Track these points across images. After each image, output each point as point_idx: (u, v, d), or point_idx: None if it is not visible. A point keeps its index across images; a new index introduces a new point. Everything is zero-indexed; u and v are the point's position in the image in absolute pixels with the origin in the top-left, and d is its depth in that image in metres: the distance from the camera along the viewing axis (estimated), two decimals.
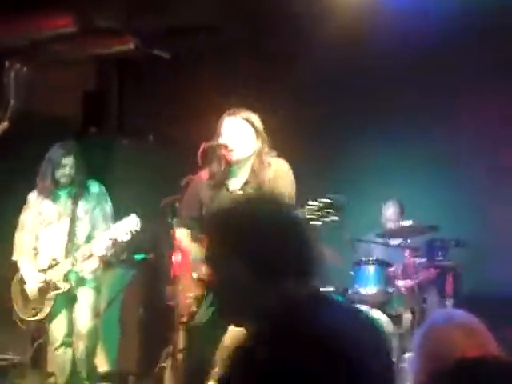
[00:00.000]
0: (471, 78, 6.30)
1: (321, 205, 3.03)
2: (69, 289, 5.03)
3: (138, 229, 4.80)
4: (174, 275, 3.28)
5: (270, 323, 1.57)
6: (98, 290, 5.23)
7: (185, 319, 3.57)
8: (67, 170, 5.21)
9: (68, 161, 5.23)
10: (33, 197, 5.34)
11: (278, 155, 3.67)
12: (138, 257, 6.37)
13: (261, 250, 1.64)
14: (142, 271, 6.30)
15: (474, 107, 6.10)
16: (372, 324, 1.75)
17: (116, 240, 4.85)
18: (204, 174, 3.65)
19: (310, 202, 3.06)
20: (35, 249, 5.22)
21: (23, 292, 5.13)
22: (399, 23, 6.09)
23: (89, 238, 5.03)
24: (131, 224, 4.80)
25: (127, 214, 4.88)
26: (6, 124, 6.90)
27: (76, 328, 5.09)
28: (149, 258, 6.36)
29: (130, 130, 7.99)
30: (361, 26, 6.09)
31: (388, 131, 6.50)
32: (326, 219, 3.02)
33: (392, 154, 6.48)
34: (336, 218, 3.02)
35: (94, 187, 5.38)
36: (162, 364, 5.04)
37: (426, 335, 2.08)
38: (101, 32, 6.24)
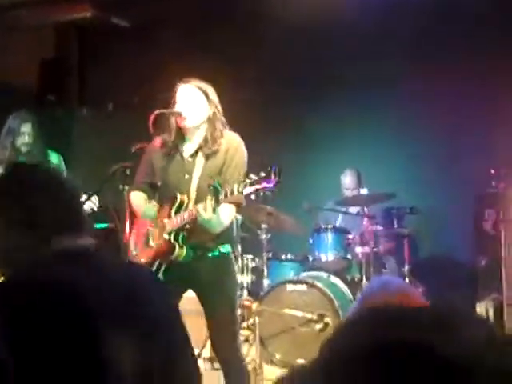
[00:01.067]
0: (426, 45, 6.37)
1: (256, 179, 3.08)
2: None
3: (96, 208, 4.96)
4: (126, 242, 3.29)
5: (15, 274, 1.74)
6: None
7: None
8: (26, 138, 5.26)
9: (26, 128, 5.27)
10: None
11: (231, 129, 3.69)
12: (100, 226, 6.35)
13: (31, 210, 1.75)
14: (105, 242, 6.29)
15: (429, 75, 6.16)
16: (145, 280, 1.89)
17: None
18: (157, 142, 3.66)
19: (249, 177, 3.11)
20: None
21: None
22: None
23: None
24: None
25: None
26: None
27: None
28: (110, 228, 6.35)
29: (89, 99, 7.91)
30: None
31: (346, 100, 6.55)
32: (261, 194, 3.08)
33: (350, 122, 6.55)
34: (268, 193, 3.07)
35: (54, 158, 5.47)
36: None
37: (361, 302, 2.14)
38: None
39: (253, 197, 3.13)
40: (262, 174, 3.07)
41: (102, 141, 6.94)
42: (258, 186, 3.08)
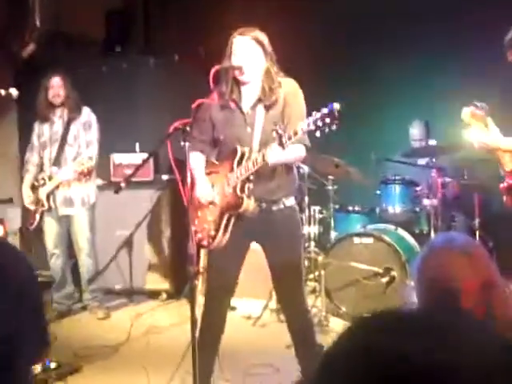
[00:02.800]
0: None
1: (318, 115, 3.02)
2: (53, 208, 5.56)
3: (92, 164, 5.33)
4: (187, 200, 3.30)
5: None
6: (87, 213, 5.69)
7: (205, 243, 3.62)
8: (56, 90, 5.59)
9: (55, 81, 5.60)
10: (37, 121, 5.75)
11: (287, 75, 3.63)
12: (164, 177, 6.43)
13: None
14: (169, 191, 6.38)
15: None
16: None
17: (76, 171, 5.28)
18: (215, 97, 3.63)
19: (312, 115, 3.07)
20: (40, 168, 5.73)
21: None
22: None
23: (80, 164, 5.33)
24: (84, 161, 5.27)
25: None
26: (32, 46, 6.94)
27: (75, 245, 5.75)
28: (175, 179, 6.42)
29: (156, 50, 7.92)
30: None
31: (415, 50, 6.37)
32: (326, 129, 3.01)
33: (418, 73, 6.38)
34: (334, 127, 3.00)
35: (84, 115, 5.69)
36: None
37: (425, 260, 2.08)
38: None
39: (318, 134, 3.07)
40: (324, 110, 3.02)
41: (168, 91, 6.95)
42: (319, 123, 3.02)
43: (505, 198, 4.01)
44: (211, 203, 3.62)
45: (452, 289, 1.97)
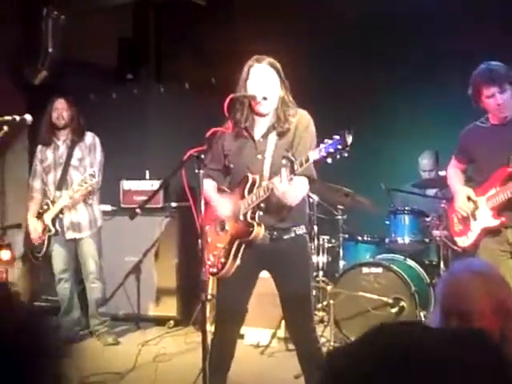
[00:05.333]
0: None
1: (330, 142, 3.04)
2: (60, 232, 5.56)
3: (94, 182, 5.25)
4: (201, 226, 3.30)
5: None
6: (95, 237, 5.68)
7: (215, 270, 3.62)
8: (60, 111, 5.61)
9: (59, 103, 5.63)
10: (39, 147, 5.77)
11: (299, 106, 3.66)
12: (174, 204, 6.44)
13: None
14: (178, 219, 6.39)
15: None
16: None
17: (73, 193, 5.31)
18: (229, 125, 3.65)
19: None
20: (44, 194, 5.72)
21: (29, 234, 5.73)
22: None
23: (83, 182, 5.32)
24: (87, 181, 5.23)
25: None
26: (44, 73, 7.00)
27: (83, 269, 5.73)
28: (184, 206, 6.44)
29: (166, 78, 7.99)
30: None
31: (426, 81, 6.40)
32: (337, 155, 3.03)
33: (429, 103, 6.40)
34: (345, 154, 3.02)
35: (89, 138, 5.71)
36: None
37: (445, 284, 2.11)
38: None
39: (329, 160, 3.09)
40: (336, 137, 3.04)
41: (178, 118, 7.00)
42: (331, 149, 3.04)
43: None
44: (223, 229, 3.63)
45: (466, 310, 1.98)
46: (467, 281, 2.05)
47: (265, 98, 3.52)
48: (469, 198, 4.13)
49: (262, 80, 3.54)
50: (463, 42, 6.19)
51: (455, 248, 4.44)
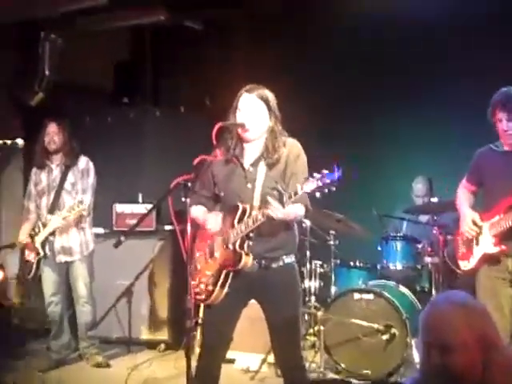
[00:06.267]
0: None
1: (319, 176, 3.06)
2: (50, 255, 5.56)
3: (82, 208, 5.26)
4: (187, 252, 3.29)
5: None
6: (86, 261, 5.69)
7: (203, 297, 3.61)
8: (51, 136, 5.63)
9: (52, 127, 5.65)
10: (34, 169, 5.80)
11: (291, 135, 3.68)
12: (167, 227, 6.44)
13: None
14: (171, 242, 6.39)
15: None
16: None
17: (63, 219, 5.35)
18: (218, 153, 3.67)
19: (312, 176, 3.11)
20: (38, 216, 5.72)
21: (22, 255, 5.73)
22: None
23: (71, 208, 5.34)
24: (75, 208, 5.26)
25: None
26: (41, 95, 7.04)
27: (73, 293, 5.73)
28: (177, 229, 6.43)
29: (163, 101, 8.03)
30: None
31: (418, 107, 6.44)
32: (326, 190, 3.04)
33: (422, 129, 6.44)
34: (333, 189, 3.04)
35: (82, 163, 5.73)
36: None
37: (426, 315, 2.10)
38: (131, 4, 6.25)
39: (318, 194, 3.09)
40: (325, 171, 3.05)
41: (173, 142, 7.02)
42: (320, 183, 3.05)
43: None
44: (212, 256, 3.63)
45: (448, 342, 1.98)
46: (448, 313, 2.05)
47: (249, 126, 3.55)
48: (474, 223, 4.12)
49: (249, 109, 3.58)
50: (461, 69, 6.24)
51: (458, 271, 4.40)
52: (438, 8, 6.15)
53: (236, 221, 3.51)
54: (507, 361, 1.99)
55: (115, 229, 6.57)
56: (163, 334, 6.32)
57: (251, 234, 3.50)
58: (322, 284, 6.04)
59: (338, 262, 5.96)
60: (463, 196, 4.34)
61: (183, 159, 6.26)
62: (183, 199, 3.29)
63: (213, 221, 3.65)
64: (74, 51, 7.10)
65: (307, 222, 5.80)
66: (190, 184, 3.29)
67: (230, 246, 3.52)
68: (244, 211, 3.52)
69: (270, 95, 3.65)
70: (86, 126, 7.03)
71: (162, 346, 6.25)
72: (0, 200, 7.36)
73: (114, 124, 7.16)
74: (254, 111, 3.58)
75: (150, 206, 6.45)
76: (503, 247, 3.96)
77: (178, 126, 7.13)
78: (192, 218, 3.44)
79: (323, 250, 5.97)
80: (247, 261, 3.49)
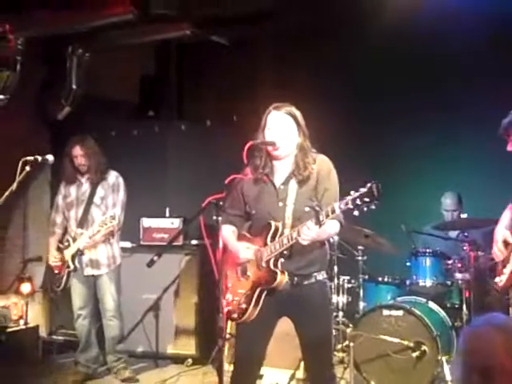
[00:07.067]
0: None
1: (357, 194, 3.02)
2: (79, 268, 5.60)
3: (115, 223, 5.29)
4: (218, 271, 3.28)
5: None
6: (113, 275, 5.71)
7: (235, 316, 3.60)
8: (79, 160, 5.69)
9: (76, 152, 5.68)
10: (63, 182, 5.86)
11: (320, 151, 3.67)
12: (194, 242, 6.44)
13: None
14: (198, 257, 6.38)
15: None
16: None
17: (93, 234, 5.40)
18: (248, 172, 3.67)
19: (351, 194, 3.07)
20: (65, 229, 5.79)
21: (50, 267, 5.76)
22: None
23: (103, 223, 5.35)
24: (107, 222, 5.28)
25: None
26: (68, 109, 7.10)
27: (101, 306, 5.75)
28: (205, 244, 6.43)
29: (188, 115, 8.05)
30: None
31: (448, 122, 6.40)
32: (364, 208, 3.00)
33: (452, 144, 6.39)
34: (373, 207, 3.00)
35: (112, 177, 5.77)
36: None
37: (465, 339, 2.07)
38: (157, 19, 6.29)
39: (356, 213, 3.06)
40: (363, 190, 3.02)
41: (199, 156, 7.02)
42: (359, 202, 3.01)
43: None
44: (244, 274, 3.62)
45: (487, 366, 1.95)
46: (488, 336, 2.02)
47: (279, 144, 3.55)
48: (505, 242, 4.07)
49: (278, 126, 3.58)
50: (488, 85, 6.20)
51: (495, 287, 4.34)
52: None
53: (269, 239, 3.51)
54: None
55: (142, 243, 6.59)
56: (190, 349, 6.31)
57: (285, 252, 3.49)
58: (350, 299, 6.01)
59: (366, 277, 5.92)
60: (505, 216, 4.26)
61: (209, 174, 6.33)
62: (214, 217, 3.29)
63: (244, 251, 3.64)
64: (100, 65, 7.16)
65: (335, 237, 5.77)
66: (221, 203, 3.28)
67: (264, 265, 3.51)
68: (276, 229, 3.51)
69: (298, 112, 3.66)
70: (111, 140, 7.05)
71: (190, 360, 6.24)
72: (27, 213, 7.40)
73: (140, 137, 7.18)
74: (283, 128, 3.58)
75: (177, 221, 6.51)
76: None
77: (204, 140, 7.12)
78: (224, 239, 3.44)
79: (351, 265, 5.94)
80: (282, 279, 3.48)
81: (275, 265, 3.49)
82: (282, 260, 3.51)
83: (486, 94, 6.20)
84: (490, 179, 6.05)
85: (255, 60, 7.32)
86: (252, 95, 6.70)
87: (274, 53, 7.33)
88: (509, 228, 4.10)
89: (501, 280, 4.14)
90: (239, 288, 3.63)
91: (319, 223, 3.21)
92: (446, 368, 4.94)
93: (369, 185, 3.00)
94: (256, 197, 3.68)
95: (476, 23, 6.06)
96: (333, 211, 3.16)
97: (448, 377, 4.90)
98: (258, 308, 3.56)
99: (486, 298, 5.52)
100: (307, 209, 3.36)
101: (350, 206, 3.06)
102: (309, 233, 3.26)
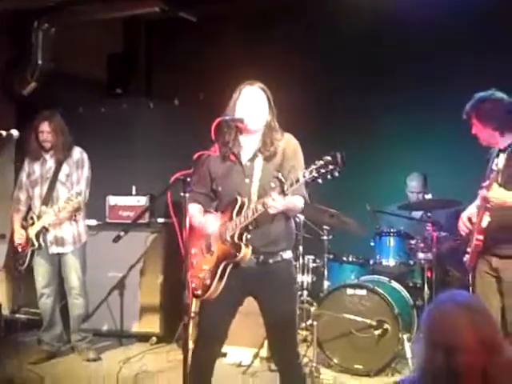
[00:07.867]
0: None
1: (321, 163, 3.04)
2: (43, 246, 5.53)
3: (80, 200, 5.30)
4: (185, 247, 3.28)
5: None
6: (78, 253, 5.64)
7: (199, 292, 3.60)
8: (45, 135, 5.60)
9: (44, 127, 5.59)
10: (27, 159, 5.77)
11: (285, 130, 3.68)
12: (160, 220, 6.42)
13: None
14: (164, 235, 6.37)
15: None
16: None
17: (59, 211, 5.34)
18: (215, 149, 3.66)
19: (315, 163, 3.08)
20: (29, 206, 5.71)
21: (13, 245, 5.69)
22: None
23: (69, 200, 5.31)
24: (73, 199, 5.25)
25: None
26: (34, 84, 7.00)
27: (65, 285, 5.69)
28: (170, 222, 6.41)
29: (156, 93, 7.99)
30: None
31: (415, 104, 6.44)
32: (328, 176, 3.02)
33: (418, 124, 6.44)
34: (336, 174, 3.02)
35: (76, 154, 5.69)
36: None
37: (429, 316, 2.10)
38: None
39: (320, 180, 3.08)
40: (327, 158, 3.04)
41: (167, 134, 6.96)
42: (323, 170, 3.03)
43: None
44: (209, 250, 3.62)
45: (451, 343, 1.97)
46: (452, 313, 2.04)
47: (251, 118, 3.56)
48: (470, 220, 4.15)
49: (253, 100, 3.59)
50: (452, 63, 6.25)
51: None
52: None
53: (235, 213, 3.51)
54: (509, 363, 1.99)
55: (108, 221, 6.55)
56: (155, 327, 6.30)
57: (250, 227, 3.49)
58: (314, 278, 6.05)
59: (331, 256, 5.96)
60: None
61: (176, 152, 6.28)
62: (182, 194, 3.28)
63: (210, 223, 3.64)
64: (67, 41, 7.06)
65: (301, 217, 5.80)
66: (188, 179, 3.28)
67: (228, 238, 3.51)
68: (242, 204, 3.51)
69: (268, 90, 3.67)
70: (79, 116, 6.96)
71: (154, 339, 6.24)
72: None
73: (107, 115, 7.10)
74: (256, 102, 3.60)
75: (143, 199, 6.48)
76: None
77: (172, 119, 7.07)
78: (190, 217, 3.44)
79: (316, 244, 5.97)
80: (246, 252, 3.48)
81: (240, 238, 3.49)
82: (248, 236, 3.51)
83: (454, 75, 6.26)
84: (455, 160, 6.12)
85: (224, 38, 7.28)
86: (220, 73, 6.65)
87: (243, 30, 7.29)
88: (477, 208, 4.18)
89: (466, 259, 4.22)
90: (204, 264, 3.63)
91: (283, 193, 3.22)
92: (407, 346, 5.02)
93: (332, 153, 3.02)
94: (223, 174, 3.67)
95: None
96: (297, 180, 3.17)
97: (408, 354, 4.98)
98: (222, 283, 3.55)
99: (446, 278, 5.63)
100: (273, 185, 3.36)
101: (315, 175, 3.07)
102: (274, 203, 3.27)
